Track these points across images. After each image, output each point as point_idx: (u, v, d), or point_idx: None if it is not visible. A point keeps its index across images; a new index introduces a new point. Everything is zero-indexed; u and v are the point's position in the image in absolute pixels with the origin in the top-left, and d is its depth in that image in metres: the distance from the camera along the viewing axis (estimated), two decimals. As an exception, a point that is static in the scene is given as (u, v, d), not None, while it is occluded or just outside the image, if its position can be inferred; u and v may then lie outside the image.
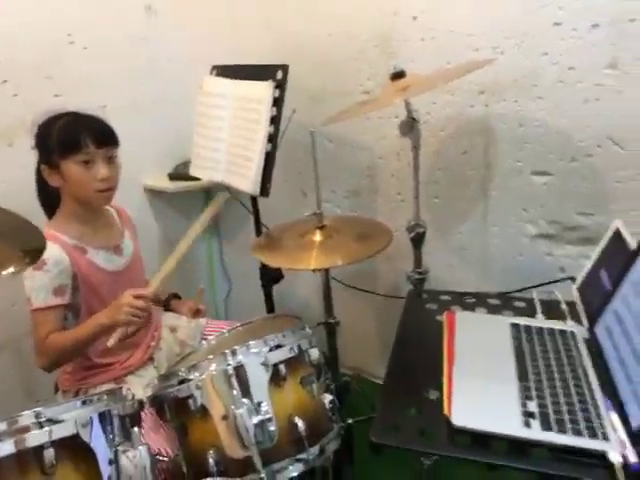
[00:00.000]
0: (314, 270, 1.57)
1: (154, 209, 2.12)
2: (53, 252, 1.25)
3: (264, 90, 1.56)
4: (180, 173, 2.05)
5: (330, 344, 1.73)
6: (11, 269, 0.78)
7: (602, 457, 0.83)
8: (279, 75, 1.57)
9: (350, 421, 1.57)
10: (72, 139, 1.26)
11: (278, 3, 1.85)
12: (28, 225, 0.89)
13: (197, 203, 2.32)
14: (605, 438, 0.85)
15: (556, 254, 1.62)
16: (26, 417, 0.78)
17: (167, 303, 1.61)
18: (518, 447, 0.86)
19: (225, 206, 2.29)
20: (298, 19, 1.82)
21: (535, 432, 0.87)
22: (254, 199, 1.83)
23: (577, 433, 0.86)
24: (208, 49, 2.07)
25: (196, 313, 1.50)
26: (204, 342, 1.36)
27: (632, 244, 1.08)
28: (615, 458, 0.82)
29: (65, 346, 1.28)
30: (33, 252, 0.87)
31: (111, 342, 1.25)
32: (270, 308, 1.89)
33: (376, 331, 2.13)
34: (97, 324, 1.26)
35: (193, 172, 1.83)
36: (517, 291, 1.41)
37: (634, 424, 0.85)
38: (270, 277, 1.82)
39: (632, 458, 0.81)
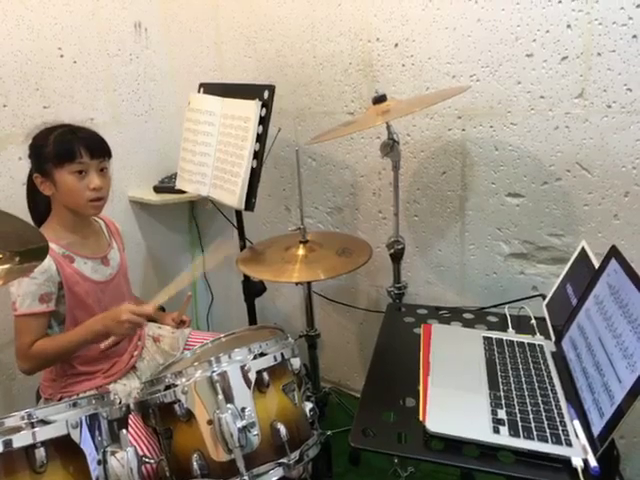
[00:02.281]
0: (297, 283, 1.61)
1: (139, 221, 2.14)
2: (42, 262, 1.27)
3: (251, 109, 1.62)
4: (165, 186, 2.09)
5: (311, 356, 1.77)
6: (5, 266, 0.81)
7: (565, 462, 0.88)
8: (266, 95, 1.62)
9: (329, 433, 1.61)
10: (68, 149, 1.30)
11: (264, 25, 1.91)
12: (23, 226, 0.91)
13: (181, 216, 2.36)
14: (568, 444, 0.91)
15: (528, 273, 1.70)
16: (17, 418, 0.80)
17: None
18: (488, 452, 0.91)
19: (209, 220, 2.35)
20: (284, 42, 1.89)
21: (504, 438, 0.92)
22: (238, 214, 1.87)
23: (543, 439, 0.91)
24: (194, 67, 2.13)
25: (180, 324, 1.53)
26: (187, 352, 1.38)
27: (596, 263, 1.15)
28: (577, 463, 0.87)
29: (54, 352, 1.32)
30: (26, 252, 0.89)
31: (102, 346, 1.31)
32: (252, 321, 1.92)
33: (356, 345, 2.18)
34: (92, 331, 1.30)
35: (179, 186, 1.87)
36: (491, 307, 1.47)
37: (595, 431, 0.91)
38: (253, 290, 1.86)
39: (592, 463, 0.87)
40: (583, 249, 1.25)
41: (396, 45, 1.69)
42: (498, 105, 1.58)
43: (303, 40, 1.85)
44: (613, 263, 1.03)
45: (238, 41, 2.00)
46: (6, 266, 0.84)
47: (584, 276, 1.17)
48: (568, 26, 1.43)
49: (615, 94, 1.42)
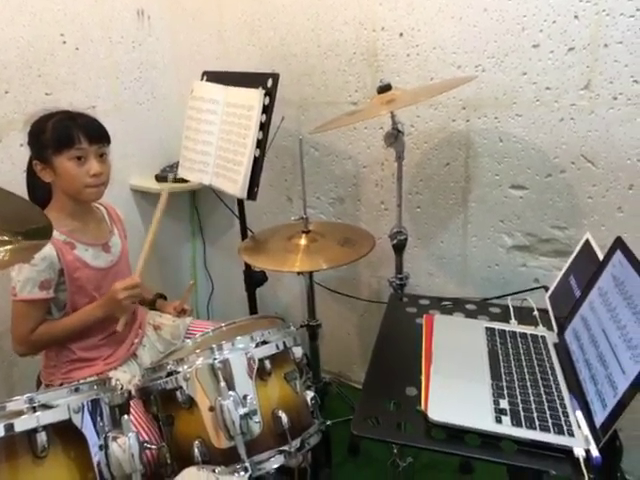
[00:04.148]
0: (299, 273, 1.61)
1: (140, 209, 2.14)
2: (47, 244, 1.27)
3: (254, 97, 1.61)
4: (167, 175, 2.08)
5: (312, 346, 1.77)
6: (8, 247, 0.80)
7: (567, 452, 0.88)
8: (269, 83, 1.61)
9: (329, 423, 1.61)
10: (66, 135, 1.29)
11: (268, 13, 1.90)
12: (27, 206, 0.91)
13: (183, 204, 2.35)
14: (571, 434, 0.90)
15: (530, 265, 1.69)
16: (19, 402, 0.80)
17: (153, 303, 1.64)
18: (490, 441, 0.91)
19: (210, 210, 2.34)
20: (288, 30, 1.88)
21: (506, 427, 0.91)
22: (240, 203, 1.87)
23: (545, 429, 0.91)
24: (197, 55, 2.12)
25: (182, 312, 1.53)
26: (188, 340, 1.38)
27: (600, 255, 1.15)
28: (579, 453, 0.87)
29: (54, 337, 1.35)
30: (30, 232, 0.89)
31: (119, 328, 1.37)
32: (253, 310, 1.92)
33: (356, 336, 2.18)
34: (93, 316, 1.35)
35: (181, 174, 1.86)
36: (493, 298, 1.47)
37: (597, 422, 0.90)
38: (254, 280, 1.85)
39: (594, 453, 0.86)
40: (587, 241, 1.24)
41: (401, 34, 1.68)
42: (503, 96, 1.57)
43: (307, 29, 1.84)
44: (618, 255, 1.02)
45: (242, 29, 1.98)
46: (10, 247, 0.84)
47: (588, 268, 1.16)
48: (575, 17, 1.42)
49: (621, 86, 1.41)
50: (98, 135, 1.34)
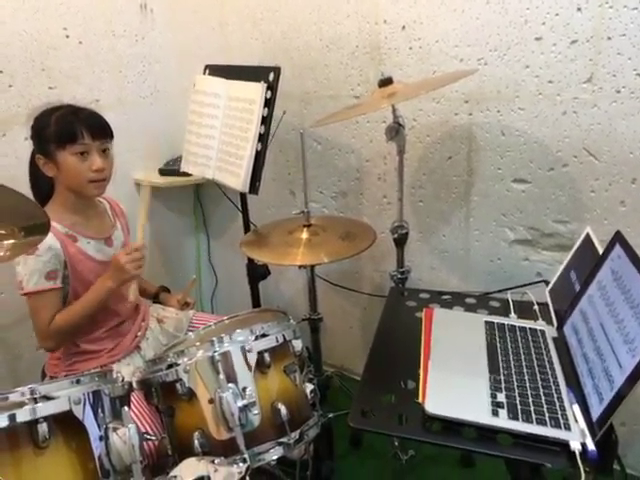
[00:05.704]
0: (300, 266, 1.62)
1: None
2: (45, 238, 1.28)
3: (256, 91, 1.61)
4: (170, 169, 2.10)
5: (314, 340, 1.78)
6: (11, 241, 0.81)
7: (563, 445, 0.88)
8: (271, 77, 1.61)
9: (331, 415, 1.62)
10: (69, 130, 1.29)
11: (270, 7, 1.89)
12: (26, 202, 0.92)
13: (187, 199, 2.36)
14: (567, 428, 0.91)
15: (533, 259, 1.69)
16: (21, 393, 0.81)
17: (156, 296, 1.65)
18: (486, 434, 0.91)
19: (214, 204, 2.35)
20: (290, 24, 1.87)
21: (502, 421, 0.92)
22: (243, 197, 1.87)
23: (541, 423, 0.92)
24: (199, 49, 2.12)
25: (185, 305, 1.54)
26: (191, 333, 1.40)
27: (600, 249, 1.15)
28: (575, 446, 0.87)
29: (73, 322, 1.33)
30: (30, 227, 0.90)
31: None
32: (256, 304, 1.93)
33: (360, 329, 2.18)
34: (105, 289, 1.32)
35: (184, 168, 1.87)
36: (493, 292, 1.47)
37: (594, 416, 0.91)
38: (256, 273, 1.86)
39: (590, 446, 0.87)
40: (588, 235, 1.24)
41: (403, 27, 1.67)
42: (506, 89, 1.57)
43: (309, 22, 1.83)
44: (617, 249, 1.02)
45: (244, 23, 1.98)
46: (11, 241, 0.85)
47: (588, 262, 1.16)
48: (578, 9, 1.41)
49: (624, 79, 1.40)
50: (101, 130, 1.35)
